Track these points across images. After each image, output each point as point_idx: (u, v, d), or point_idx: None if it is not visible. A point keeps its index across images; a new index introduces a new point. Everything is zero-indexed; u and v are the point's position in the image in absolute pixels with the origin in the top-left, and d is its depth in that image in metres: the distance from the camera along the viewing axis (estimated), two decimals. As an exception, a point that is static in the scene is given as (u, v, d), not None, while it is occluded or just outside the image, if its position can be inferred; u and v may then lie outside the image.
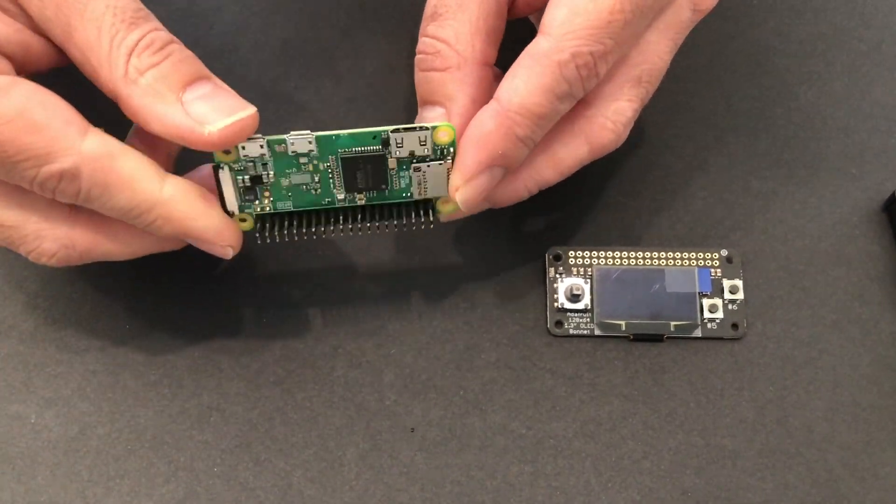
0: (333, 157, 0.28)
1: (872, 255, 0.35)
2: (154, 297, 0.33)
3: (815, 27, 0.39)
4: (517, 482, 0.31)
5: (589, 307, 0.33)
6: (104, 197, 0.25)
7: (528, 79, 0.26)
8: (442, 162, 0.28)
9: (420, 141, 0.27)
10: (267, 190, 0.28)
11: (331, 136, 0.27)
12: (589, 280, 0.33)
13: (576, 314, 0.33)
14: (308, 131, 0.27)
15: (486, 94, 0.28)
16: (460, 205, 0.28)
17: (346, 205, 0.29)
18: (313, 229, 0.29)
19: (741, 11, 0.39)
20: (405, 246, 0.34)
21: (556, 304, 0.33)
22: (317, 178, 0.28)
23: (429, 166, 0.28)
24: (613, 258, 0.34)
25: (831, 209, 0.35)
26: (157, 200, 0.25)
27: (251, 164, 0.27)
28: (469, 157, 0.27)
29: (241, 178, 0.28)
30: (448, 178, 0.28)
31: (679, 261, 0.34)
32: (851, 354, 0.33)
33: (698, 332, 0.33)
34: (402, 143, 0.27)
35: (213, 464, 0.31)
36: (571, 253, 0.34)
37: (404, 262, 0.34)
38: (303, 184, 0.28)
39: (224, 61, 0.38)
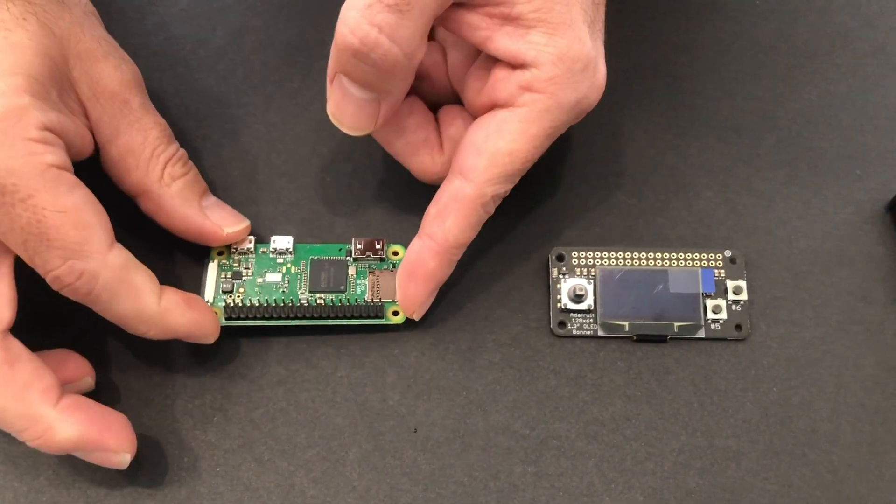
0: (305, 261, 0.33)
1: (876, 256, 0.35)
2: (157, 297, 0.33)
3: (819, 28, 0.39)
4: (520, 483, 0.31)
5: (592, 308, 0.33)
6: (110, 302, 0.28)
7: (458, 220, 0.30)
8: (392, 270, 0.33)
9: (375, 248, 0.33)
10: (242, 287, 0.33)
11: (305, 245, 0.34)
12: (592, 280, 0.33)
13: (579, 315, 0.33)
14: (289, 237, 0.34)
15: (408, 86, 0.30)
16: (416, 318, 0.32)
17: (307, 304, 0.33)
18: (275, 324, 0.32)
19: (745, 12, 0.39)
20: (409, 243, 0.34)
21: (559, 305, 0.33)
22: (287, 280, 0.33)
23: (381, 273, 0.33)
24: (617, 259, 0.34)
25: (835, 210, 0.35)
26: (154, 312, 0.29)
27: (237, 261, 0.33)
28: (419, 291, 0.31)
29: (224, 272, 0.33)
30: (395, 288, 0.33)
31: (682, 261, 0.34)
32: (856, 356, 0.33)
33: (702, 333, 0.33)
34: (360, 246, 0.33)
35: (216, 464, 0.31)
36: (575, 253, 0.34)
37: (407, 262, 0.34)
38: (274, 283, 0.33)
39: (227, 62, 0.38)
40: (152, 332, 0.29)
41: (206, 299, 0.33)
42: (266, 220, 0.35)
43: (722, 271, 0.34)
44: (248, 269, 0.33)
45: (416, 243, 0.31)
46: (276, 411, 0.32)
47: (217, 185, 0.35)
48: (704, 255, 0.34)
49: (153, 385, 0.32)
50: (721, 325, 0.33)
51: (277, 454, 0.31)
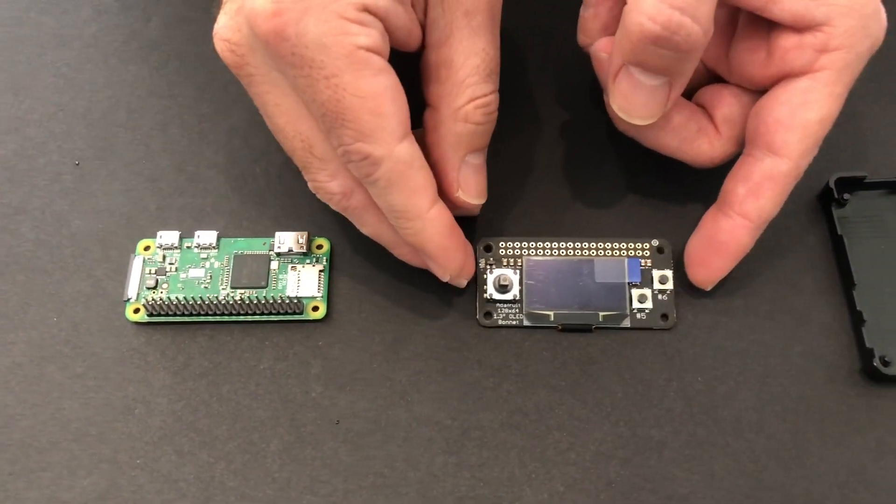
0: (229, 256, 0.33)
1: (807, 244, 0.35)
2: (80, 289, 0.33)
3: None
4: (441, 473, 0.31)
5: (518, 298, 0.33)
6: (385, 191, 0.28)
7: (773, 197, 0.30)
8: (314, 265, 0.33)
9: (297, 242, 0.33)
10: (166, 282, 0.33)
11: (230, 239, 0.34)
12: (518, 271, 0.33)
13: (504, 305, 0.33)
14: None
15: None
16: (707, 288, 0.33)
17: (229, 300, 0.32)
18: (196, 319, 0.33)
19: None
20: (337, 235, 0.34)
21: (485, 296, 0.33)
22: (210, 276, 0.33)
23: (303, 267, 0.33)
24: (544, 249, 0.34)
25: (768, 199, 0.35)
26: (420, 215, 0.29)
27: (161, 256, 0.33)
28: (726, 265, 0.32)
29: (149, 268, 0.33)
30: (318, 282, 0.33)
31: (609, 251, 0.34)
32: (783, 345, 0.33)
33: (627, 323, 0.33)
34: (283, 240, 0.33)
35: (136, 456, 0.31)
36: (502, 244, 0.34)
37: (335, 251, 0.34)
38: (197, 278, 0.33)
39: (161, 53, 0.38)
40: (411, 237, 0.29)
41: (128, 296, 0.32)
42: (194, 211, 0.35)
43: (648, 261, 0.34)
44: (173, 264, 0.33)
45: (724, 221, 0.31)
46: (198, 403, 0.32)
47: (145, 175, 0.35)
48: (632, 245, 0.34)
49: (75, 376, 0.32)
50: (647, 314, 0.33)
51: (198, 446, 0.31)
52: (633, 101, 0.29)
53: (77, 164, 0.36)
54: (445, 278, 0.31)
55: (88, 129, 0.36)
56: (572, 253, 0.34)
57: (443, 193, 0.31)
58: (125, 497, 0.30)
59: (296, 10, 0.25)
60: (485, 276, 0.33)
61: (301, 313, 0.32)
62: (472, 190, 0.31)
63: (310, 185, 0.30)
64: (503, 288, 0.33)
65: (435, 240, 0.29)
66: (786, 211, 0.35)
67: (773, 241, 0.34)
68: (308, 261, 0.33)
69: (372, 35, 0.26)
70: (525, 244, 0.34)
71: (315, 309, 0.33)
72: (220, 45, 0.28)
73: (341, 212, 0.31)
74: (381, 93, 0.26)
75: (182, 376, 0.32)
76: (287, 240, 0.33)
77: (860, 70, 0.30)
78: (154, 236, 0.34)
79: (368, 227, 0.31)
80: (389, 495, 0.30)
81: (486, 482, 0.31)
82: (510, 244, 0.34)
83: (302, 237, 0.33)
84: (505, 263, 0.34)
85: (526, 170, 0.36)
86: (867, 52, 0.29)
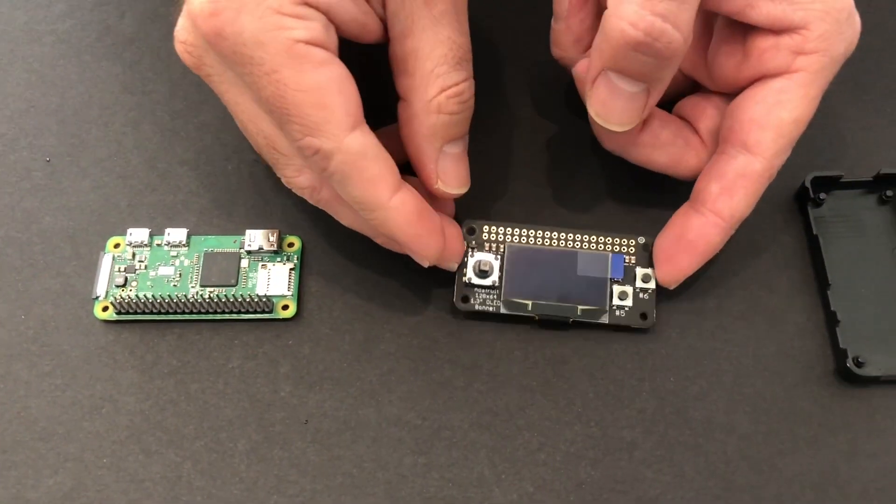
0: (199, 254, 0.33)
1: (783, 244, 0.34)
2: (49, 286, 0.33)
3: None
4: (409, 474, 0.31)
5: (497, 284, 0.32)
6: (342, 183, 0.27)
7: (746, 196, 0.30)
8: (285, 263, 0.33)
9: (268, 240, 0.33)
10: (135, 280, 0.33)
11: (200, 237, 0.33)
12: (500, 257, 0.33)
13: (483, 290, 0.32)
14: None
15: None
16: (670, 287, 0.33)
17: (198, 299, 0.32)
18: (165, 317, 0.32)
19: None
20: (309, 233, 0.34)
21: (464, 279, 0.32)
22: (179, 274, 0.33)
23: (273, 265, 0.33)
24: (528, 236, 0.33)
25: (744, 198, 0.35)
26: (382, 205, 0.28)
27: (131, 253, 0.33)
28: (692, 264, 0.32)
29: (118, 266, 0.33)
30: (288, 281, 0.33)
31: (594, 244, 0.33)
32: (756, 345, 0.33)
33: (605, 319, 0.32)
34: (254, 238, 0.33)
35: (103, 455, 0.31)
36: (486, 227, 0.33)
37: (307, 248, 0.34)
38: (166, 276, 0.33)
39: (134, 50, 0.38)
40: (380, 227, 0.29)
41: (97, 294, 0.32)
42: (165, 209, 0.34)
43: (633, 258, 0.33)
44: (143, 261, 0.33)
45: (695, 219, 0.31)
46: (165, 402, 0.31)
47: (117, 173, 0.35)
48: (617, 240, 0.33)
49: (42, 374, 0.32)
50: (626, 312, 0.32)
51: (165, 445, 0.31)
52: (611, 108, 0.29)
53: (48, 161, 0.35)
54: (425, 264, 0.31)
55: (60, 125, 0.36)
56: (556, 243, 0.33)
57: (424, 186, 0.31)
58: (91, 497, 0.30)
59: (231, 9, 0.25)
60: (465, 258, 0.33)
61: (271, 312, 0.32)
62: (451, 180, 0.30)
63: (282, 180, 0.30)
64: (483, 273, 0.32)
65: (402, 228, 0.29)
66: (762, 210, 0.35)
67: (748, 240, 0.34)
68: (279, 259, 0.33)
69: (312, 28, 0.26)
70: (509, 230, 0.33)
71: (285, 308, 0.32)
72: (178, 47, 0.28)
73: (316, 205, 0.31)
74: (323, 85, 0.26)
75: (150, 375, 0.32)
76: (258, 238, 0.33)
77: (834, 73, 0.30)
78: (124, 234, 0.33)
79: (344, 218, 0.31)
80: (357, 496, 0.30)
81: (455, 483, 0.30)
82: (494, 228, 0.33)
83: (273, 235, 0.33)
84: (487, 248, 0.33)
85: (516, 160, 0.35)
86: (842, 56, 0.29)
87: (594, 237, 0.33)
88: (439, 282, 0.33)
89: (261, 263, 0.33)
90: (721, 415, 0.32)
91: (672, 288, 0.32)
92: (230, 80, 0.28)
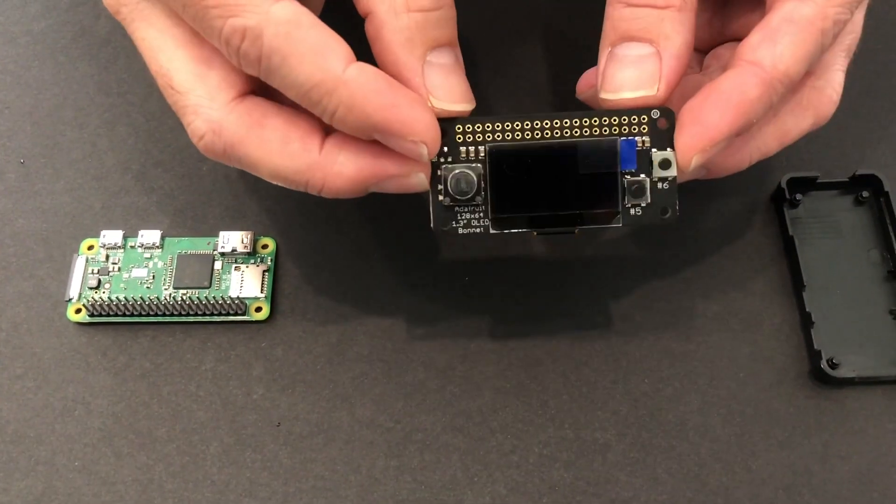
0: (172, 256, 0.33)
1: (759, 246, 0.34)
2: (22, 289, 0.33)
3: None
4: (382, 477, 0.30)
5: (482, 200, 0.27)
6: (284, 68, 0.23)
7: (794, 44, 0.25)
8: (258, 265, 0.32)
9: (242, 242, 0.33)
10: (108, 282, 0.32)
11: (174, 239, 0.33)
12: (481, 164, 0.26)
13: (465, 209, 0.27)
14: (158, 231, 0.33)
15: (693, 40, 0.26)
16: (690, 168, 0.26)
17: (171, 301, 0.32)
18: (138, 319, 0.32)
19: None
20: (283, 235, 0.34)
21: (440, 199, 0.26)
22: (153, 275, 0.32)
23: (247, 267, 0.32)
24: (513, 132, 0.26)
25: (721, 199, 0.35)
26: (338, 80, 0.23)
27: (104, 255, 0.32)
28: (724, 121, 0.25)
29: (92, 268, 0.32)
30: (261, 283, 0.32)
31: (597, 129, 0.26)
32: (731, 347, 0.33)
33: (618, 222, 0.27)
34: (227, 240, 0.33)
35: (75, 458, 0.31)
36: (459, 127, 0.26)
37: (281, 250, 0.34)
38: (139, 278, 0.32)
39: (109, 51, 0.37)
40: (347, 116, 0.24)
41: (70, 296, 0.32)
42: (139, 210, 0.34)
43: (646, 139, 0.26)
44: (116, 263, 0.33)
45: (730, 73, 0.25)
46: (138, 405, 0.31)
47: (90, 174, 0.35)
48: (626, 120, 0.26)
49: (14, 377, 0.32)
50: (642, 209, 0.27)
51: (137, 448, 0.31)
52: (620, 78, 0.26)
53: (22, 163, 0.35)
54: (424, 151, 0.25)
55: (34, 127, 0.36)
56: (549, 135, 0.26)
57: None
58: (62, 500, 0.30)
59: None
60: (438, 172, 0.26)
61: (244, 314, 0.32)
62: (445, 95, 0.25)
63: (187, 131, 0.27)
64: (463, 192, 0.26)
65: (372, 99, 0.24)
66: (737, 212, 0.35)
67: (724, 242, 0.34)
68: (252, 261, 0.33)
69: None
70: (489, 127, 0.26)
71: (258, 310, 0.32)
72: None
73: (222, 159, 0.26)
74: None
75: (123, 377, 0.32)
76: (231, 239, 0.33)
77: None
78: (98, 235, 0.33)
79: (262, 161, 0.26)
80: (330, 499, 0.30)
81: (427, 485, 0.30)
82: (469, 127, 0.26)
83: (247, 237, 0.33)
84: (464, 155, 0.26)
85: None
86: None
87: (596, 119, 0.26)
88: (413, 282, 0.33)
89: (234, 265, 0.33)
90: (695, 416, 0.31)
91: (691, 170, 0.26)
92: (141, 12, 0.26)
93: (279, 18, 0.23)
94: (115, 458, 0.31)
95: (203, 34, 0.25)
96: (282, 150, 0.25)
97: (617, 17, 0.26)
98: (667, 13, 0.25)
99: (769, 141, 0.29)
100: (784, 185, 0.34)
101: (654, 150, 0.26)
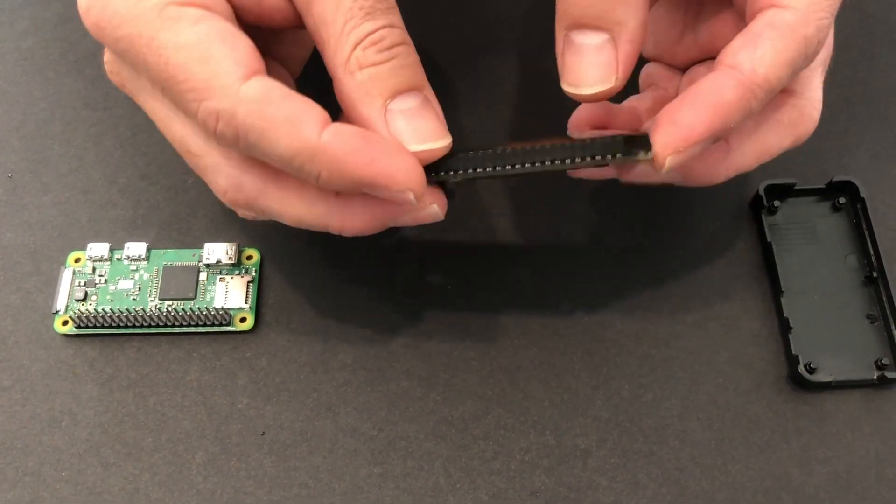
0: (158, 267, 0.33)
1: (738, 252, 0.35)
2: (9, 302, 0.33)
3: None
4: (365, 484, 0.31)
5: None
6: (262, 143, 0.24)
7: (774, 50, 0.25)
8: (243, 276, 0.33)
9: (227, 253, 0.33)
10: (95, 294, 0.33)
11: (160, 251, 0.34)
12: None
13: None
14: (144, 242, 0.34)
15: (647, 18, 0.26)
16: (665, 168, 0.25)
17: (156, 312, 0.32)
18: (125, 331, 0.33)
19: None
20: (267, 246, 0.34)
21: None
22: (139, 287, 0.33)
23: (231, 278, 0.33)
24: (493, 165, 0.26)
25: (701, 206, 0.35)
26: (315, 147, 0.24)
27: (91, 268, 0.33)
28: (700, 122, 0.25)
29: (79, 280, 0.33)
30: (246, 294, 0.33)
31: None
32: (710, 352, 0.33)
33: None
34: (212, 252, 0.33)
35: (62, 468, 0.31)
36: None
37: (265, 261, 0.34)
38: (126, 290, 0.33)
39: (97, 66, 0.38)
40: (332, 179, 0.24)
41: (57, 308, 0.32)
42: (125, 223, 0.35)
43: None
44: (103, 276, 0.33)
45: (710, 76, 0.25)
46: (124, 415, 0.32)
47: (77, 188, 0.35)
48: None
49: (2, 389, 0.32)
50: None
51: (123, 457, 0.31)
52: (580, 68, 0.26)
53: (10, 177, 0.36)
54: (412, 199, 0.25)
55: (22, 141, 0.36)
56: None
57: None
58: (48, 510, 0.30)
59: None
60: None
61: (229, 324, 0.33)
62: (412, 138, 0.25)
63: (213, 192, 0.28)
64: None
65: (350, 159, 0.24)
66: (716, 219, 0.35)
67: (703, 248, 0.35)
68: (237, 272, 0.33)
69: None
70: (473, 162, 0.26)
71: (242, 320, 0.33)
72: (106, 70, 0.28)
73: (249, 211, 0.28)
74: (203, 38, 0.24)
75: (109, 388, 0.32)
76: (216, 251, 0.33)
77: None
78: (85, 248, 0.34)
79: (284, 212, 0.27)
80: (314, 506, 0.30)
81: (410, 492, 0.31)
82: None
83: (231, 248, 0.33)
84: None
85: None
86: None
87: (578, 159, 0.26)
88: (396, 292, 0.34)
89: (219, 276, 0.33)
90: (675, 422, 0.32)
91: (665, 169, 0.25)
92: (144, 87, 0.27)
93: (250, 97, 0.24)
94: (102, 468, 0.31)
95: (182, 113, 0.25)
96: (300, 201, 0.26)
97: (571, 1, 0.25)
98: None
99: (748, 156, 0.29)
100: (762, 192, 0.35)
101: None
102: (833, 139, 0.37)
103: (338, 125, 0.25)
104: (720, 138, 0.26)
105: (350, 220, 0.27)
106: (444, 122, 0.26)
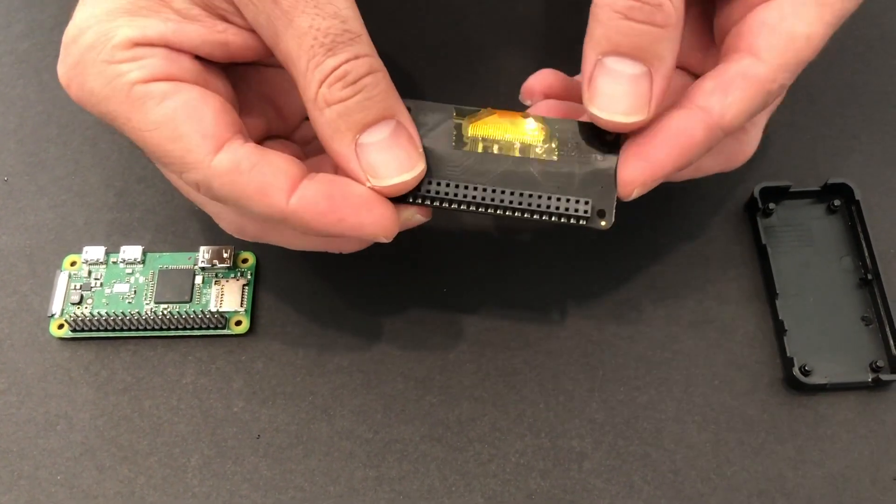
0: (154, 271, 0.33)
1: (733, 255, 0.35)
2: (5, 305, 0.33)
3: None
4: (360, 487, 0.31)
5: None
6: (241, 205, 0.26)
7: (742, 100, 0.27)
8: (238, 279, 0.33)
9: (223, 257, 0.33)
10: (91, 298, 0.33)
11: (156, 254, 0.34)
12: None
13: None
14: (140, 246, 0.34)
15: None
16: (630, 198, 0.27)
17: (152, 315, 0.32)
18: (120, 334, 0.33)
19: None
20: (263, 249, 0.34)
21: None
22: (134, 291, 0.33)
23: (227, 282, 0.33)
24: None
25: (695, 209, 0.36)
26: (284, 212, 0.26)
27: (87, 271, 0.33)
28: (668, 159, 0.27)
29: (74, 284, 0.33)
30: (241, 297, 0.33)
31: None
32: (705, 355, 0.33)
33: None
34: (207, 254, 0.33)
35: (57, 472, 0.31)
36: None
37: (261, 264, 0.34)
38: (121, 293, 0.33)
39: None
40: (301, 232, 0.27)
41: (53, 312, 0.32)
42: (121, 226, 0.35)
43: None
44: (98, 279, 0.33)
45: (680, 114, 0.27)
46: (119, 418, 0.32)
47: (74, 191, 0.36)
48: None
49: (-2, 394, 0.32)
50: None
51: (119, 461, 0.31)
52: (613, 94, 0.26)
53: (6, 181, 0.36)
54: (383, 241, 0.27)
55: (19, 144, 0.36)
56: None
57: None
58: (44, 513, 0.30)
59: (77, 75, 0.26)
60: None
61: (224, 328, 0.33)
62: (384, 171, 0.26)
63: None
64: None
65: (319, 220, 0.26)
66: (712, 221, 0.35)
67: (698, 251, 0.35)
68: (232, 275, 0.33)
69: (147, 66, 0.25)
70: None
71: (238, 323, 0.33)
72: None
73: (256, 241, 0.30)
74: (170, 117, 0.25)
75: (105, 391, 0.32)
76: (212, 254, 0.33)
77: (847, 11, 0.28)
78: (81, 252, 0.34)
79: (286, 245, 0.30)
80: (309, 509, 0.30)
81: (405, 495, 0.31)
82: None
83: (227, 251, 0.33)
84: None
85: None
86: None
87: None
88: (391, 295, 0.34)
89: (215, 280, 0.33)
90: (670, 424, 0.32)
91: (632, 198, 0.27)
92: None
93: (221, 170, 0.25)
94: (98, 472, 0.31)
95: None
96: (296, 239, 0.29)
97: (613, 27, 0.26)
98: (664, 33, 0.26)
99: (684, 173, 0.30)
100: (757, 194, 0.35)
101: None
102: (828, 142, 0.37)
103: (307, 184, 0.26)
104: (681, 170, 0.28)
105: (347, 245, 0.30)
106: (419, 144, 0.27)
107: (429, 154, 0.27)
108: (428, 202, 0.27)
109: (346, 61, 0.25)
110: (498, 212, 0.27)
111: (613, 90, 0.26)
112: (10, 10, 0.39)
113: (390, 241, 0.27)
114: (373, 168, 0.26)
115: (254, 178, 0.25)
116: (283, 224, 0.26)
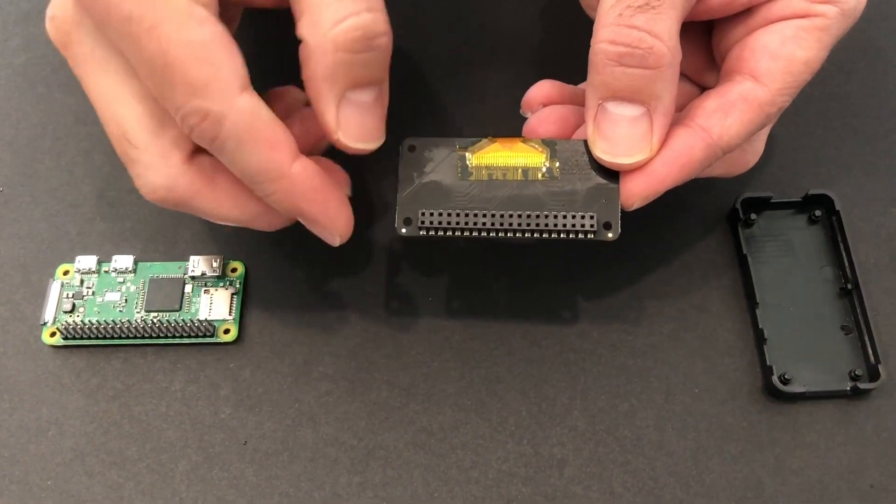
0: (145, 280, 0.34)
1: (714, 264, 0.35)
2: (-1, 313, 0.34)
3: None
4: (344, 493, 0.31)
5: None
6: (237, 152, 0.25)
7: (741, 122, 0.28)
8: (227, 288, 0.34)
9: (212, 266, 0.34)
10: (83, 306, 0.33)
11: (147, 263, 0.34)
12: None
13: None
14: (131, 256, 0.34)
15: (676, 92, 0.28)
16: (630, 209, 0.29)
17: (142, 324, 0.33)
18: (111, 342, 0.33)
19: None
20: (252, 259, 0.35)
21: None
22: (125, 299, 0.34)
23: (216, 290, 0.34)
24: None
25: (677, 219, 0.36)
26: (283, 172, 0.26)
27: (79, 280, 0.34)
28: (670, 175, 0.28)
29: (67, 292, 0.33)
30: (230, 305, 0.33)
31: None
32: (685, 363, 0.33)
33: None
34: (197, 264, 0.34)
35: (47, 477, 0.32)
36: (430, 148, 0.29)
37: (250, 273, 0.35)
38: (112, 302, 0.33)
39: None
40: (283, 201, 0.27)
41: (45, 320, 0.33)
42: (114, 236, 0.36)
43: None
44: (90, 288, 0.34)
45: (681, 130, 0.28)
46: (109, 424, 0.32)
47: (67, 201, 0.36)
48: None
49: (-10, 400, 0.33)
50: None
51: (108, 466, 0.32)
52: (615, 137, 0.28)
53: (1, 191, 0.36)
54: (336, 241, 0.28)
55: (13, 156, 0.37)
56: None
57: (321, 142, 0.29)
58: (34, 518, 0.31)
59: None
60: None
61: (213, 336, 0.33)
62: (353, 132, 0.27)
63: (134, 183, 0.28)
64: None
65: (309, 197, 0.26)
66: (694, 231, 0.36)
67: (680, 260, 0.35)
68: (222, 284, 0.34)
69: None
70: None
71: (226, 332, 0.33)
72: (47, 25, 0.28)
73: (175, 207, 0.29)
74: (209, 41, 0.25)
75: (95, 398, 0.33)
76: (201, 263, 0.34)
77: (843, 31, 0.29)
78: (73, 261, 0.35)
79: (211, 212, 0.28)
80: (294, 514, 0.31)
81: (389, 501, 0.31)
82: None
83: (216, 261, 0.34)
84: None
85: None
86: (851, 10, 0.29)
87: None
88: (377, 304, 0.34)
89: (204, 289, 0.34)
90: (651, 432, 0.32)
91: (632, 207, 0.28)
92: (96, 60, 0.27)
93: (243, 109, 0.25)
94: (87, 477, 0.32)
95: (160, 101, 0.26)
96: (232, 204, 0.28)
97: (609, 74, 0.27)
98: (658, 73, 0.27)
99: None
100: (738, 205, 0.35)
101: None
102: (809, 153, 0.37)
103: (306, 161, 0.26)
104: (680, 184, 0.29)
105: (276, 221, 0.29)
106: (385, 121, 0.28)
107: (437, 187, 0.29)
108: (441, 232, 0.28)
109: (365, 11, 0.25)
110: (508, 234, 0.28)
111: (615, 133, 0.28)
112: (6, 25, 0.40)
113: (337, 245, 0.29)
114: (346, 125, 0.27)
115: (268, 129, 0.26)
116: (267, 184, 0.26)
